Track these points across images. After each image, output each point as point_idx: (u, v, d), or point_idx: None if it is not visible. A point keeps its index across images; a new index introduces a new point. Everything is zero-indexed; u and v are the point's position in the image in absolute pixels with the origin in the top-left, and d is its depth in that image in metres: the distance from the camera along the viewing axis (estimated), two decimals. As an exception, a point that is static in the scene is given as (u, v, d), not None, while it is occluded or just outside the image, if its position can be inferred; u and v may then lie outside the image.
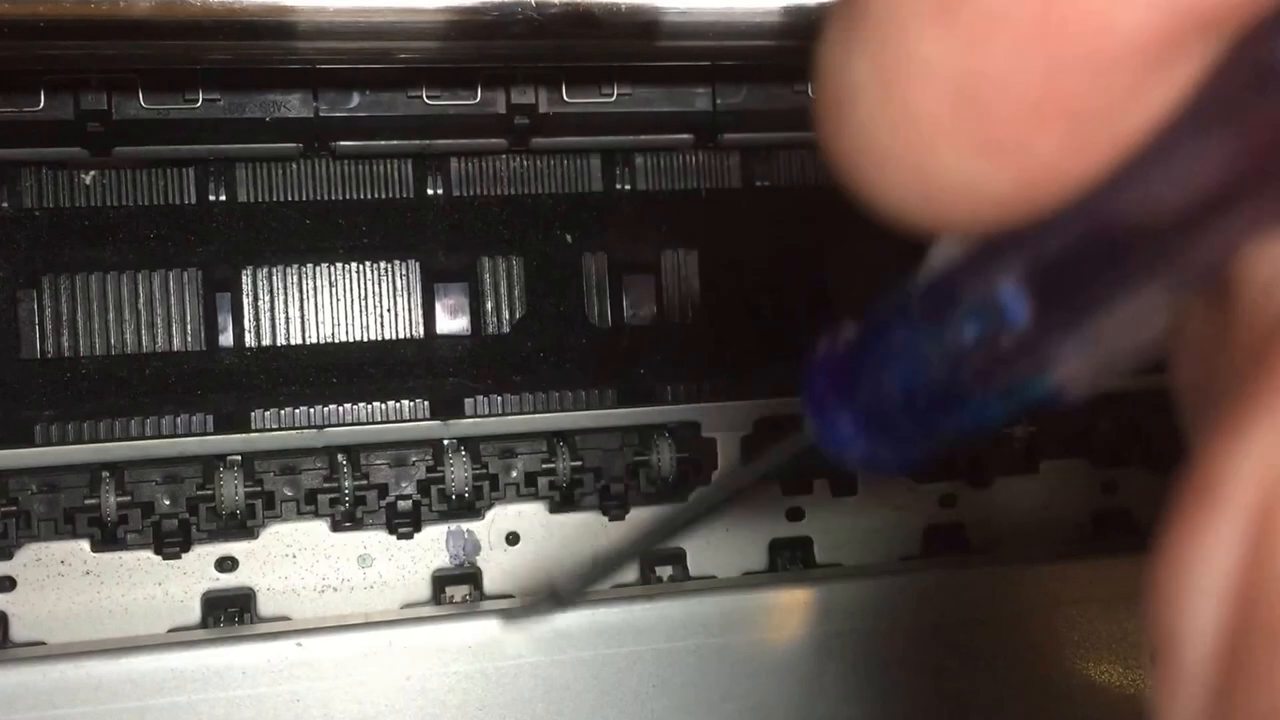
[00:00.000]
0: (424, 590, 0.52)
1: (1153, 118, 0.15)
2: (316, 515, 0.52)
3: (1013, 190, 0.16)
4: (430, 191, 0.54)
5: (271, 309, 0.52)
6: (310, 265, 0.53)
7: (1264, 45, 0.15)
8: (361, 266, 0.53)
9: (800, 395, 0.26)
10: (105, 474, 0.49)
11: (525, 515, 0.53)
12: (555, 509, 0.53)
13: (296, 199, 0.53)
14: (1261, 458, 0.13)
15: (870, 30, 0.16)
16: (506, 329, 0.54)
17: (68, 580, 0.49)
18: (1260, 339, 0.15)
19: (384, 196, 0.54)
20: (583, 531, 0.53)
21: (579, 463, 0.53)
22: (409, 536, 0.52)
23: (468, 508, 0.53)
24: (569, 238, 0.55)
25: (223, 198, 0.52)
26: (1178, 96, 0.15)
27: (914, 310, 0.21)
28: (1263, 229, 0.15)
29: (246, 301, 0.52)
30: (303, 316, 0.53)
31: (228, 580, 0.50)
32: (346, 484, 0.51)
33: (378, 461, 0.52)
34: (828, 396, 0.25)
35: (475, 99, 0.52)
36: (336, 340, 0.53)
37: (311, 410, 0.51)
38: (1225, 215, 0.16)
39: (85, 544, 0.49)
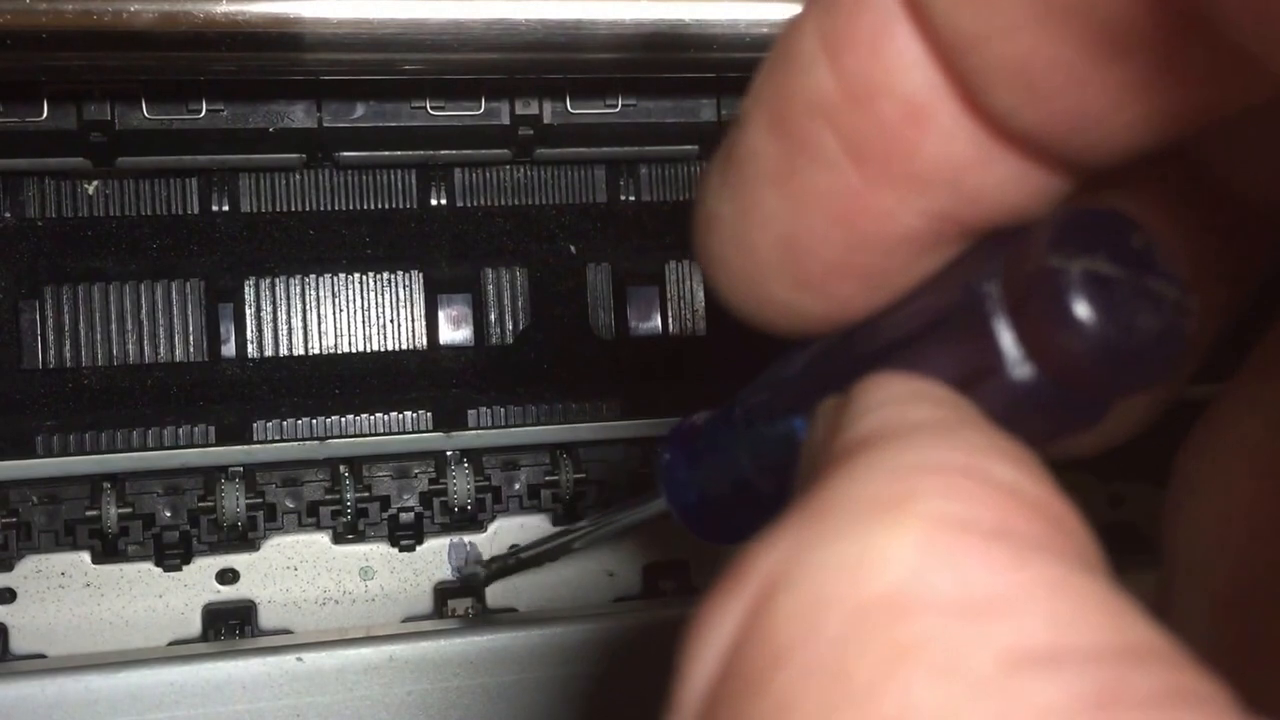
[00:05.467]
0: (426, 603, 0.52)
1: (917, 280, 0.21)
2: (318, 527, 0.51)
3: (821, 315, 0.22)
4: (434, 202, 0.54)
5: (274, 320, 0.52)
6: (313, 276, 0.52)
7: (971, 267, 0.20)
8: (364, 277, 0.53)
9: (660, 462, 0.31)
10: (106, 485, 0.49)
11: (528, 527, 0.53)
12: (558, 521, 0.53)
13: (299, 209, 0.53)
14: (772, 561, 0.17)
15: (734, 176, 0.22)
16: (510, 340, 0.54)
17: (68, 592, 0.49)
18: (810, 464, 0.20)
19: (387, 207, 0.53)
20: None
21: (582, 475, 0.53)
22: (411, 549, 0.52)
23: (470, 520, 0.53)
24: (573, 248, 0.55)
25: (226, 208, 0.52)
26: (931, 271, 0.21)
27: (737, 419, 0.27)
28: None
29: (249, 312, 0.52)
30: (305, 327, 0.52)
31: (229, 593, 0.50)
32: (348, 496, 0.51)
33: (380, 473, 0.52)
34: (677, 470, 0.30)
35: (479, 110, 0.52)
36: (339, 351, 0.53)
37: (314, 422, 0.51)
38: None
39: (86, 556, 0.49)
